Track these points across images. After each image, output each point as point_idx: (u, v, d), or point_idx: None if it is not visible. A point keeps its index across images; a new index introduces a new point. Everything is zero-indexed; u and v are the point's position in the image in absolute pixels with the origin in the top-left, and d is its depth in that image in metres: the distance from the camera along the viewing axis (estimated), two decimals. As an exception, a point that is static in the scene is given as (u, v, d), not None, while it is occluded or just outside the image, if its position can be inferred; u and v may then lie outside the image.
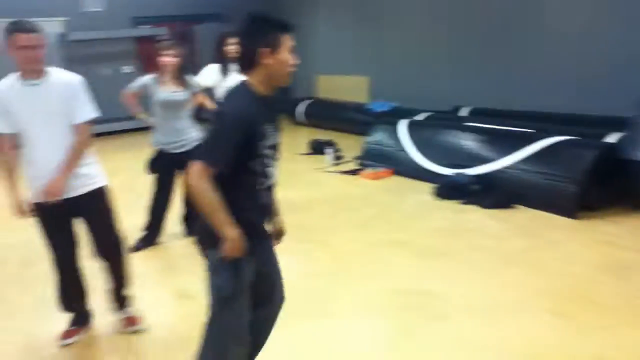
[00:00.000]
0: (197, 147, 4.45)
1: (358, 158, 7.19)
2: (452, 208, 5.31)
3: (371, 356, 2.93)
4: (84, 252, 3.14)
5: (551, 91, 6.81)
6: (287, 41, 2.05)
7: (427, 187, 5.87)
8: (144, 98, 4.51)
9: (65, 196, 2.87)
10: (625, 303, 3.32)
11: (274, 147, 2.12)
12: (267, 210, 2.24)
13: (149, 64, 10.83)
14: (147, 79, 4.41)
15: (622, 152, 4.88)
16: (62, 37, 10.08)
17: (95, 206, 3.00)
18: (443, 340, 3.02)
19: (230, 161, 1.95)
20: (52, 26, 9.89)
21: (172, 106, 4.35)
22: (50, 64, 2.87)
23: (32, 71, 2.77)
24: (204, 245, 2.16)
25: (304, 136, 8.99)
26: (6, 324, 3.44)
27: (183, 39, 10.52)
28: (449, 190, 5.56)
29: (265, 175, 2.11)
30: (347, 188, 6.21)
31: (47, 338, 3.19)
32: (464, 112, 7.60)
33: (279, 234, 2.41)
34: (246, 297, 2.17)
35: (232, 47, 5.01)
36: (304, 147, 8.15)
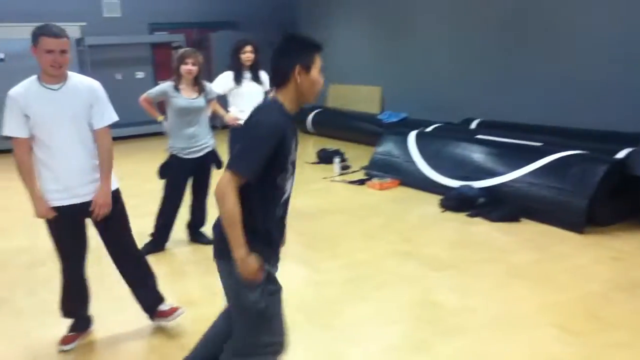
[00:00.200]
0: (211, 153, 4.56)
1: (365, 168, 7.20)
2: (459, 220, 5.30)
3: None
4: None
5: (563, 105, 6.79)
6: (319, 61, 2.11)
7: (434, 199, 5.87)
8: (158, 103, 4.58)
9: (83, 200, 2.91)
10: (636, 322, 3.28)
11: (294, 164, 2.19)
12: (283, 223, 2.28)
13: (163, 69, 11.02)
14: (166, 85, 4.45)
15: (632, 168, 4.85)
16: (79, 42, 10.24)
17: (112, 209, 3.02)
18: (456, 355, 2.98)
19: (259, 172, 1.99)
20: (70, 31, 10.04)
21: (190, 112, 4.40)
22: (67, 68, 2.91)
23: (55, 76, 2.79)
24: (222, 253, 2.16)
25: (312, 145, 9.03)
26: (7, 326, 3.47)
27: (199, 46, 10.65)
28: (455, 202, 5.55)
29: (284, 190, 2.16)
30: (355, 198, 6.22)
31: (48, 342, 3.20)
32: (473, 124, 7.59)
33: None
34: (279, 302, 2.22)
35: (246, 55, 5.08)
36: (312, 156, 8.19)
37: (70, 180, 2.87)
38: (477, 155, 6.03)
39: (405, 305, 3.59)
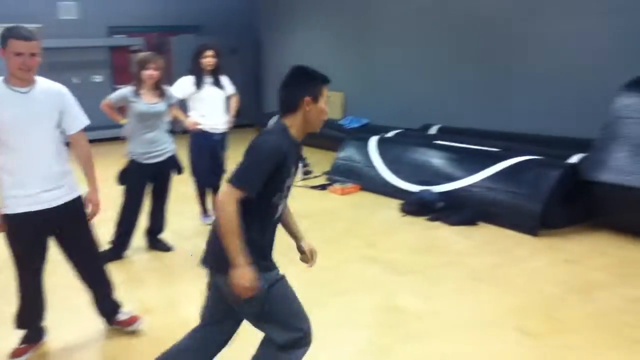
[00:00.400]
0: (171, 158, 4.50)
1: (327, 173, 7.23)
2: (420, 224, 5.37)
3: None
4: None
5: (519, 112, 6.97)
6: (325, 92, 2.27)
7: (394, 203, 5.94)
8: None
9: (49, 206, 2.83)
10: (591, 323, 3.38)
11: (289, 188, 2.29)
12: (272, 240, 2.32)
13: (122, 73, 10.80)
14: (126, 90, 4.36)
15: (584, 172, 5.01)
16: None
17: (77, 215, 2.97)
18: (420, 358, 3.02)
19: (258, 188, 2.07)
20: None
21: (150, 117, 4.33)
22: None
23: (24, 79, 2.72)
24: (217, 267, 2.18)
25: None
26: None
27: (159, 49, 10.49)
28: (416, 207, 5.63)
29: (278, 209, 2.26)
30: (316, 203, 6.23)
31: None
32: (433, 130, 7.72)
33: (312, 254, 2.60)
34: (285, 289, 2.27)
35: (207, 59, 5.04)
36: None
37: (37, 186, 2.79)
38: (436, 160, 6.13)
39: (370, 310, 3.62)
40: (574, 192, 5.03)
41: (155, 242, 4.76)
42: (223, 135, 5.33)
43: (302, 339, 2.24)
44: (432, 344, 3.16)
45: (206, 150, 5.20)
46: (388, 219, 5.59)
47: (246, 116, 9.34)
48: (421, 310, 3.59)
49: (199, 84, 5.09)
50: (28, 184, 2.78)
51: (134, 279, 4.25)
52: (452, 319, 3.46)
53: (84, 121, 3.01)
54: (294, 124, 2.22)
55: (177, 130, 5.30)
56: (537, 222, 4.94)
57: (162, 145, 4.43)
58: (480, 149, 6.06)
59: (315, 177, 7.31)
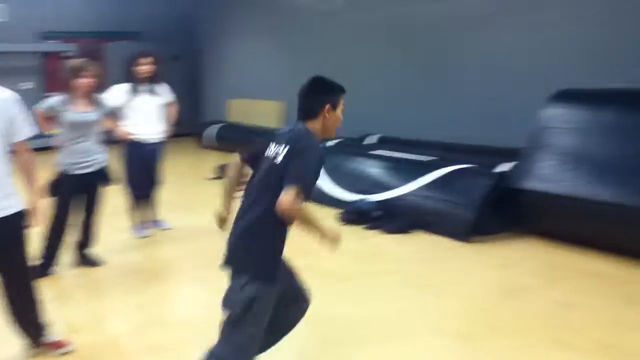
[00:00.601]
0: (102, 169, 4.34)
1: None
2: (356, 233, 5.43)
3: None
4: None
5: (455, 123, 7.18)
6: (342, 102, 2.43)
7: (331, 213, 5.97)
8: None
9: None
10: (524, 324, 3.50)
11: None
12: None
13: (55, 80, 10.39)
14: (55, 100, 4.18)
15: (513, 180, 5.21)
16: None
17: (18, 229, 2.85)
18: None
19: (312, 192, 2.20)
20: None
21: (81, 127, 4.17)
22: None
23: None
24: (247, 268, 2.30)
25: (213, 160, 8.90)
26: None
27: (92, 56, 10.18)
28: (353, 215, 5.69)
29: None
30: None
31: None
32: (371, 139, 7.83)
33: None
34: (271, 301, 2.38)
35: (143, 67, 4.92)
36: (211, 172, 8.06)
37: None
38: (374, 170, 6.23)
39: (306, 318, 3.59)
40: (504, 199, 5.21)
41: (83, 257, 4.56)
42: (158, 145, 5.22)
43: None
44: (370, 352, 3.19)
45: (140, 161, 5.08)
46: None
47: (184, 125, 9.19)
48: (358, 318, 3.61)
49: (134, 91, 4.97)
50: None
51: (61, 296, 4.07)
52: (388, 326, 3.50)
53: (31, 131, 2.92)
54: (315, 129, 2.37)
55: (110, 139, 5.14)
56: (469, 229, 5.09)
57: (93, 156, 4.28)
58: (416, 159, 6.20)
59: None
